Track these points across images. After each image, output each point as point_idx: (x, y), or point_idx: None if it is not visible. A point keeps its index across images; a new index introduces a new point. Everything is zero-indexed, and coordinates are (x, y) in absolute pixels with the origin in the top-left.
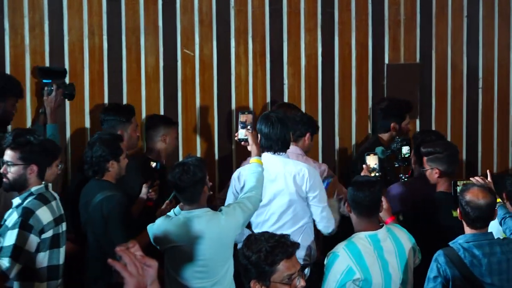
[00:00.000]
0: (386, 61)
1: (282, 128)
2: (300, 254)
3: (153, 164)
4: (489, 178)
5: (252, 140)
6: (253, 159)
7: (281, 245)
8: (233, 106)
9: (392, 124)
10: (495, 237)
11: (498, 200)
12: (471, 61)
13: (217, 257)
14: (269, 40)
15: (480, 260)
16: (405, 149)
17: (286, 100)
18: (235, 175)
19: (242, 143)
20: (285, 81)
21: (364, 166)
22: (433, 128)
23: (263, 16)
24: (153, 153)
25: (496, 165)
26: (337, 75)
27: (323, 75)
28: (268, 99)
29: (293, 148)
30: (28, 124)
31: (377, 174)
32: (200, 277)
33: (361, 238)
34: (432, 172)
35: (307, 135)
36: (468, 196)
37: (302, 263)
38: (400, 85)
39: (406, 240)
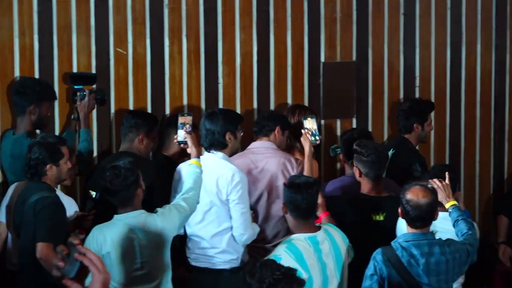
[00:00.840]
0: (322, 59)
1: (211, 124)
2: (225, 257)
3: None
4: (447, 180)
5: (191, 142)
6: (192, 161)
7: (286, 280)
8: (167, 106)
9: (414, 125)
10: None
11: (454, 202)
12: (407, 60)
13: (156, 260)
14: (204, 39)
15: (417, 260)
16: None
17: (220, 99)
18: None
19: (182, 145)
20: (220, 80)
21: (303, 131)
22: (370, 127)
23: (197, 14)
24: (169, 151)
25: (432, 164)
26: (273, 74)
27: (258, 74)
28: (203, 99)
29: (265, 143)
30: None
31: (317, 137)
32: (139, 282)
33: (300, 240)
34: (356, 170)
35: (277, 129)
36: (409, 195)
37: (227, 267)
38: (336, 83)
39: (341, 241)
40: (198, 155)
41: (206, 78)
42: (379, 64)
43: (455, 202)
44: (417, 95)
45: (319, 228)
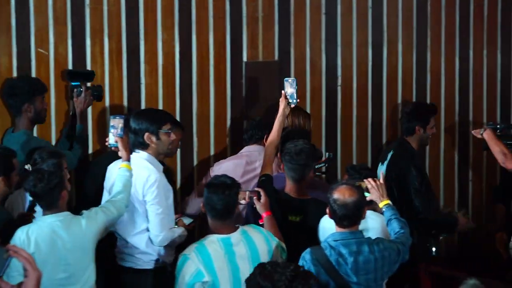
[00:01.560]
0: (245, 59)
1: (135, 124)
2: (146, 258)
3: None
4: (381, 180)
5: (121, 146)
6: (122, 164)
7: (301, 277)
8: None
9: (416, 127)
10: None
11: (387, 201)
12: (329, 59)
13: (79, 262)
14: (126, 38)
15: (346, 259)
16: None
17: (143, 99)
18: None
19: (113, 148)
20: (142, 80)
21: (283, 91)
22: None
23: (119, 14)
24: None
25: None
26: (195, 74)
27: (180, 74)
28: (125, 99)
29: (257, 147)
30: None
31: (294, 101)
32: (63, 283)
33: (212, 242)
34: (282, 165)
35: (266, 137)
36: (335, 194)
37: (149, 267)
38: (259, 83)
39: (261, 242)
40: (129, 158)
41: (128, 78)
42: (301, 63)
43: (388, 201)
44: (339, 94)
45: (237, 229)
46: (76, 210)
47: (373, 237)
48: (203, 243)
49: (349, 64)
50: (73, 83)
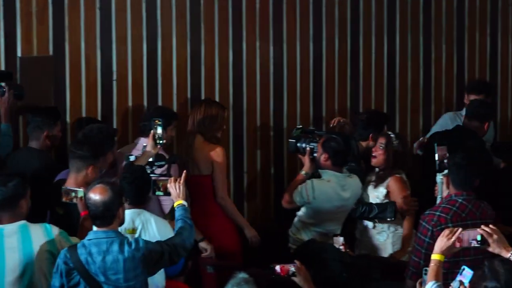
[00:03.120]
0: (19, 53)
1: None
2: None
3: None
4: (182, 179)
5: None
6: None
7: None
8: None
9: (371, 135)
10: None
11: (181, 202)
12: (104, 54)
13: None
14: None
15: (94, 258)
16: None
17: None
18: None
19: None
20: None
21: (152, 131)
22: (69, 119)
23: None
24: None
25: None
26: None
27: None
28: None
29: (144, 140)
30: None
31: (161, 142)
32: None
33: None
34: None
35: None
36: (90, 193)
37: None
38: (34, 78)
39: (41, 238)
40: None
41: None
42: (76, 58)
43: (182, 202)
44: (114, 89)
45: (15, 221)
46: None
47: None
48: None
49: (124, 59)
50: None
